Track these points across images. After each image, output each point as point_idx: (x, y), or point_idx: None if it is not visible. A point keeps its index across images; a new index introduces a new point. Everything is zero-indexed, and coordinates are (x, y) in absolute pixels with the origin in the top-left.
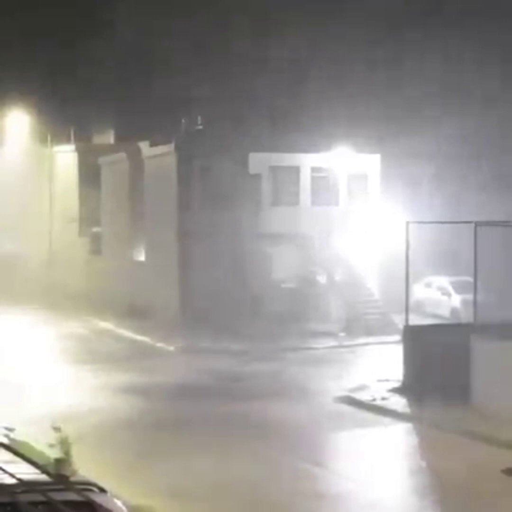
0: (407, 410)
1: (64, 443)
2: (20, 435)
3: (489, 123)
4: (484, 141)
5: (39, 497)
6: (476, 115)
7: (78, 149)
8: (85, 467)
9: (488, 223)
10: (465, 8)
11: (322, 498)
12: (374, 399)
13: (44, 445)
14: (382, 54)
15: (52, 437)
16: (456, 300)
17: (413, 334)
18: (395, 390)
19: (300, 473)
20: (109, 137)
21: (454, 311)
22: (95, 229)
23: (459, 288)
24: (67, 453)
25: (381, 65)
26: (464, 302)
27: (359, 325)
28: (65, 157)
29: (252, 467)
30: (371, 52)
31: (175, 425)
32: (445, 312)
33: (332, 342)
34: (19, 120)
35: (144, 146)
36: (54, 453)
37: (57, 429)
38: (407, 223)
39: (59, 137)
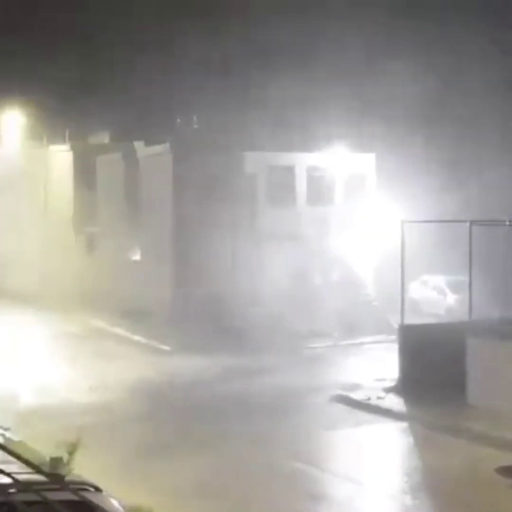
0: (402, 409)
1: (73, 443)
2: (16, 434)
3: (487, 121)
4: (482, 140)
5: (34, 497)
6: (473, 114)
7: (73, 149)
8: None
9: (483, 222)
10: (464, 5)
11: (316, 498)
12: (369, 399)
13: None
14: (378, 53)
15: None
16: (451, 299)
17: (408, 333)
18: (390, 389)
19: (293, 473)
20: (105, 137)
21: (449, 310)
22: (90, 229)
23: (454, 287)
24: (71, 452)
25: (377, 64)
26: (460, 301)
27: (355, 324)
28: (60, 156)
29: (246, 466)
30: (367, 51)
31: (169, 424)
32: (440, 311)
33: (327, 342)
34: (14, 119)
35: (139, 146)
36: (59, 448)
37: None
38: (403, 222)
39: (55, 137)
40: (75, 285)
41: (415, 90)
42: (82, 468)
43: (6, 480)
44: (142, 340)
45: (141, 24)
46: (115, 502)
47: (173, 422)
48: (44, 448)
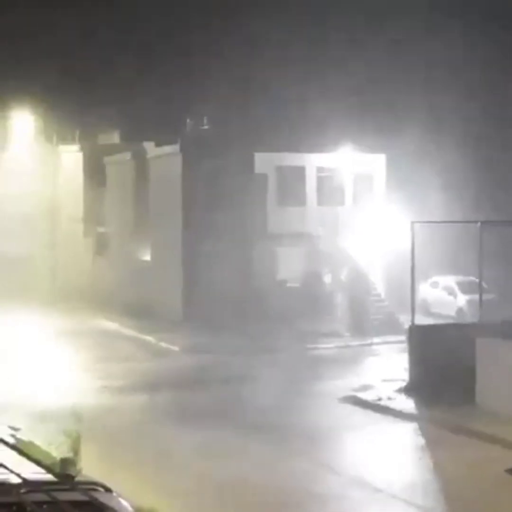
0: (412, 410)
1: (74, 439)
2: (26, 434)
3: (493, 122)
4: (492, 140)
5: (44, 497)
6: (481, 115)
7: (83, 149)
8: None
9: (493, 223)
10: (469, 6)
11: (326, 498)
12: (380, 399)
13: (54, 440)
14: (388, 53)
15: (63, 431)
16: (462, 300)
17: (419, 334)
18: (401, 390)
19: (304, 473)
20: (115, 137)
21: (459, 311)
22: (100, 229)
23: (465, 288)
24: (75, 450)
25: (386, 64)
26: (470, 302)
27: (365, 324)
28: (70, 157)
29: (257, 466)
30: (376, 52)
31: (175, 426)
32: (450, 312)
33: (337, 342)
34: (25, 120)
35: (149, 146)
36: (60, 449)
37: (75, 418)
38: (413, 222)
39: (65, 137)
40: (85, 285)
41: (425, 91)
42: (93, 468)
43: (16, 480)
44: (152, 340)
45: (151, 25)
46: (125, 503)
47: (179, 423)
48: (52, 449)
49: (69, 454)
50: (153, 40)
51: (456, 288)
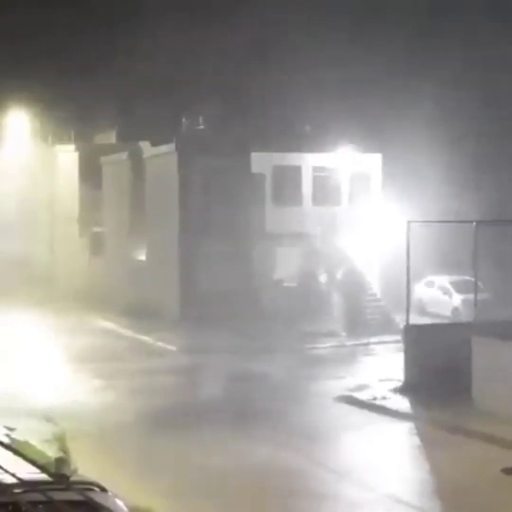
0: (408, 409)
1: (61, 440)
2: (21, 434)
3: (491, 121)
4: (486, 139)
5: (40, 497)
6: (478, 114)
7: (79, 149)
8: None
9: (488, 222)
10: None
11: (321, 497)
12: (375, 399)
13: (40, 441)
14: (385, 54)
15: (48, 432)
16: (457, 299)
17: (414, 334)
18: (396, 390)
19: (300, 472)
20: (111, 137)
21: (455, 310)
22: (97, 229)
23: (460, 287)
24: (64, 450)
25: (383, 64)
26: (465, 302)
27: (361, 324)
28: (66, 156)
29: (255, 465)
30: (373, 52)
31: (173, 427)
32: (446, 311)
33: (333, 342)
34: (21, 120)
35: (145, 146)
36: (50, 450)
37: (51, 423)
38: (408, 222)
39: (61, 137)
40: (81, 285)
41: (422, 91)
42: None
43: (12, 480)
44: (149, 340)
45: (148, 25)
46: (120, 502)
47: (176, 422)
48: (47, 449)
49: (60, 452)
50: (149, 40)
51: (451, 288)
